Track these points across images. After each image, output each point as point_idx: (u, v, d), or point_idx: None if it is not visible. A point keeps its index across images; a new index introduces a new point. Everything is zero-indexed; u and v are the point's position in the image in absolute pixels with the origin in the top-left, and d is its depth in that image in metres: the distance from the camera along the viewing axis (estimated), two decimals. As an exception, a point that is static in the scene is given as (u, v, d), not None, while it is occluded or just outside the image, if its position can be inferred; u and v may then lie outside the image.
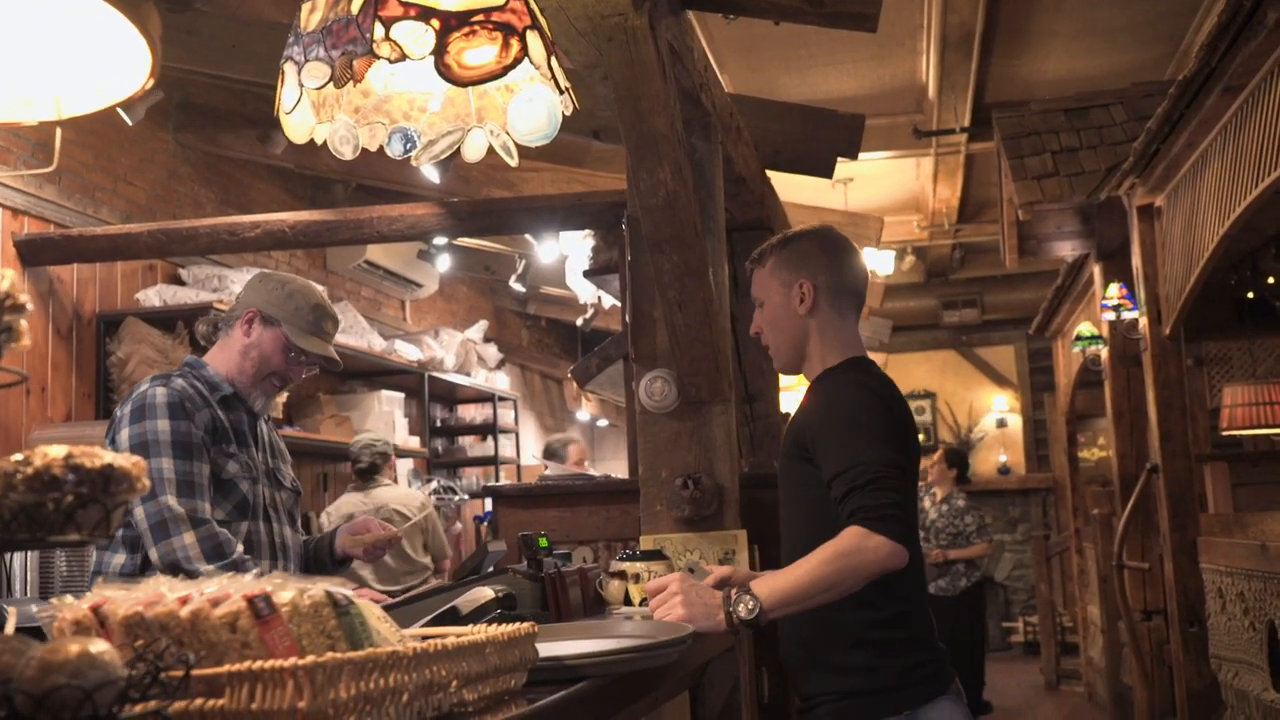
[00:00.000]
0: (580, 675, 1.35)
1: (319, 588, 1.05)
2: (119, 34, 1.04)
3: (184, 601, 1.00)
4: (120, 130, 5.39)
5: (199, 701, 0.93)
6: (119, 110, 4.97)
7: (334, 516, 5.71)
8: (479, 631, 1.20)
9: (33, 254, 4.90)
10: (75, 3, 1.01)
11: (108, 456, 0.86)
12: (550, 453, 7.49)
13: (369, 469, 5.84)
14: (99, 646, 0.76)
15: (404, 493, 6.09)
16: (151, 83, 1.02)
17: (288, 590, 1.03)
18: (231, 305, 2.73)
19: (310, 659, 0.94)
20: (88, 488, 0.84)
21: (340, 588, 1.07)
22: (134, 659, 0.90)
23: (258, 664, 0.93)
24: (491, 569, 2.54)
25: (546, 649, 1.39)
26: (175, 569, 2.39)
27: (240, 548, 2.50)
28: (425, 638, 1.22)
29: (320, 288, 5.49)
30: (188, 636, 0.99)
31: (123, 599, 1.02)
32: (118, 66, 1.06)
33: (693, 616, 1.85)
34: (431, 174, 5.46)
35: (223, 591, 1.01)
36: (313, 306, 2.69)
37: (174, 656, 0.90)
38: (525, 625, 1.24)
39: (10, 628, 1.00)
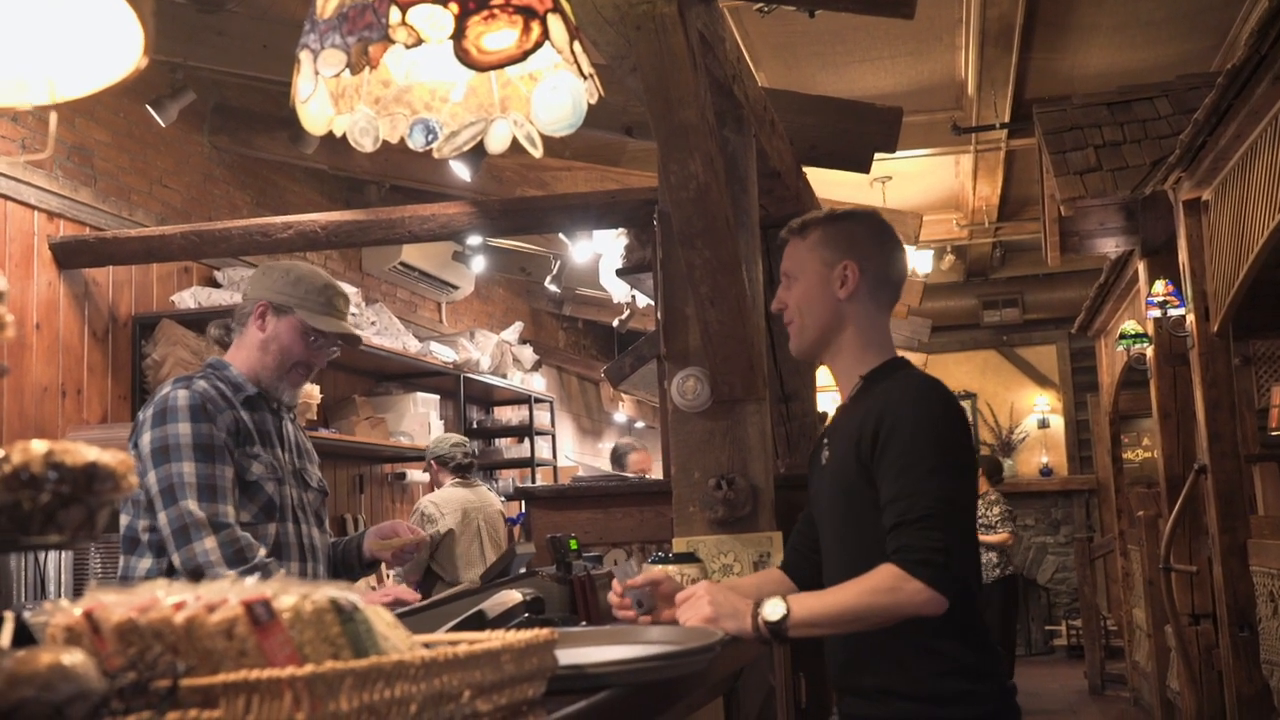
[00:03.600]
0: (603, 684, 1.29)
1: (322, 593, 0.99)
2: (111, 13, 0.99)
3: (179, 607, 0.95)
4: (156, 133, 5.40)
5: (192, 713, 0.88)
6: (150, 110, 4.98)
7: (445, 509, 5.73)
8: (494, 638, 1.14)
9: (68, 257, 4.91)
10: (66, -21, 0.97)
11: (91, 454, 0.81)
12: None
13: (469, 465, 5.98)
14: (73, 657, 0.71)
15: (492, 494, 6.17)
16: (145, 62, 0.97)
17: (289, 595, 0.97)
18: (240, 303, 2.67)
19: (309, 668, 0.88)
20: (69, 486, 0.79)
21: (346, 592, 1.01)
22: (122, 668, 0.85)
23: (254, 674, 0.88)
24: (521, 571, 2.49)
25: (568, 656, 1.33)
26: (198, 574, 2.35)
27: (263, 551, 2.46)
28: (440, 645, 1.16)
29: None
30: (183, 644, 0.94)
31: (116, 604, 0.97)
32: (111, 47, 1.02)
33: (719, 615, 1.79)
34: (463, 173, 5.42)
35: (220, 596, 0.96)
36: (322, 287, 2.62)
37: (165, 665, 0.85)
38: (544, 632, 1.18)
39: (6, 635, 0.95)
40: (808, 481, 2.25)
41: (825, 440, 2.13)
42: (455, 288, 7.78)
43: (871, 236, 2.10)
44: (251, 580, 2.26)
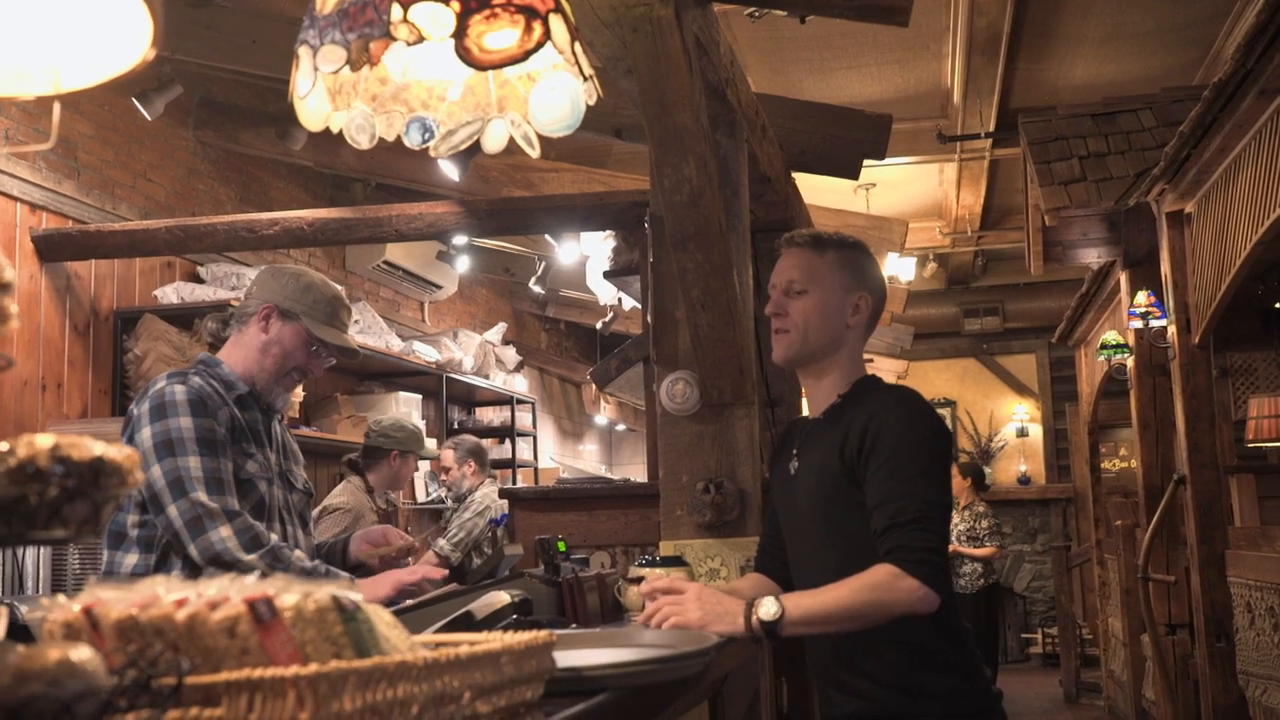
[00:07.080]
0: (600, 687, 1.29)
1: (325, 592, 0.98)
2: (120, 3, 0.98)
3: (180, 604, 0.94)
4: (141, 127, 5.37)
5: (194, 711, 0.87)
6: (136, 103, 4.95)
7: None
8: (494, 640, 1.14)
9: (51, 249, 4.87)
10: (75, -32, 0.96)
11: (98, 448, 0.80)
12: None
13: None
14: (81, 654, 0.70)
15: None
16: (153, 54, 0.96)
17: (291, 594, 0.96)
18: (243, 301, 2.67)
19: (313, 667, 0.88)
20: (75, 481, 0.78)
21: (348, 591, 1.01)
22: (124, 665, 0.84)
23: (257, 672, 0.87)
24: (507, 573, 2.48)
25: (565, 659, 1.33)
26: (218, 562, 2.35)
27: (275, 538, 2.45)
28: (438, 646, 1.16)
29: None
30: (184, 642, 0.93)
31: (116, 600, 0.96)
32: (118, 39, 1.01)
33: (707, 619, 1.79)
34: (451, 172, 5.40)
35: (222, 594, 0.95)
36: (331, 298, 2.65)
37: (167, 663, 0.84)
38: (543, 634, 1.18)
39: (1, 627, 0.94)
40: (769, 489, 2.32)
41: (795, 451, 2.19)
42: (439, 287, 7.77)
43: (876, 272, 2.22)
44: (263, 565, 2.23)
